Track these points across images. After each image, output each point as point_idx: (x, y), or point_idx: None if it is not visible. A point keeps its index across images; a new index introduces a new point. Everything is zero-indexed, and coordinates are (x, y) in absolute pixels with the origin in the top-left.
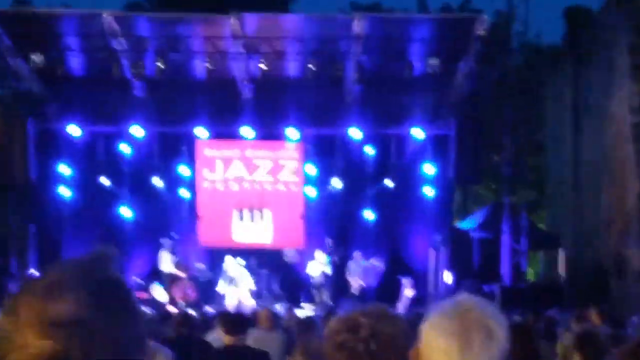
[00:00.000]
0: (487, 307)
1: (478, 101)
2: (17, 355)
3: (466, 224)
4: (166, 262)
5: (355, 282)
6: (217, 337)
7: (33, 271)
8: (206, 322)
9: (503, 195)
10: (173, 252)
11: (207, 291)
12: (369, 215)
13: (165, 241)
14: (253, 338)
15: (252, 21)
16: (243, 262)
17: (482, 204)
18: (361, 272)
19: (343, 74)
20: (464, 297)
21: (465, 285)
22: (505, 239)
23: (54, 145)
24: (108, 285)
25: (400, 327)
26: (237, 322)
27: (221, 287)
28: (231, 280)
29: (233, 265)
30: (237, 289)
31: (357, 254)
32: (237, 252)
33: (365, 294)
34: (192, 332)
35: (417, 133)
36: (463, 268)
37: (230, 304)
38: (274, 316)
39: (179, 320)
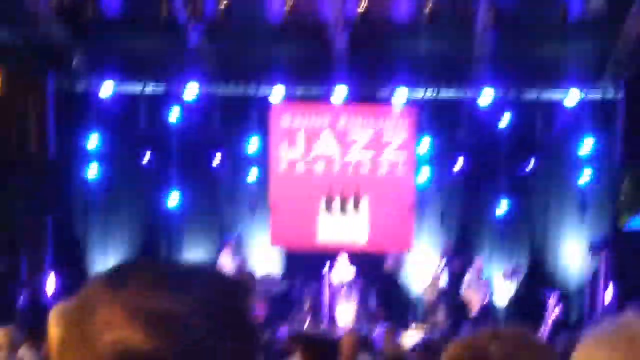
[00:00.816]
0: None
1: None
2: (106, 348)
3: (638, 222)
4: (227, 267)
5: (476, 300)
6: None
7: (51, 276)
8: (278, 348)
9: None
10: (236, 254)
11: (282, 307)
12: (502, 207)
13: (226, 239)
14: None
15: None
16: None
17: None
18: (484, 285)
19: (471, 17)
20: (632, 319)
21: (634, 305)
22: None
23: (80, 110)
24: (233, 312)
25: (545, 356)
26: (321, 349)
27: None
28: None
29: (346, 269)
30: (348, 304)
31: (478, 261)
32: (320, 256)
33: (493, 315)
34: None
35: (572, 97)
36: (632, 281)
37: (342, 324)
38: (363, 343)
39: None
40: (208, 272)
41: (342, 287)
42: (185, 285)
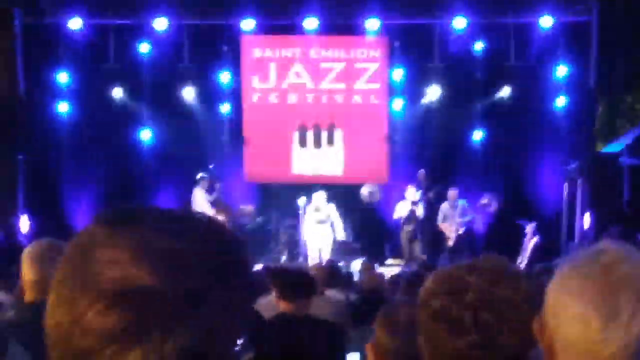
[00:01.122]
0: (638, 257)
1: None
2: (109, 284)
3: (614, 148)
4: (201, 203)
5: (451, 231)
6: (271, 302)
7: (24, 217)
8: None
9: None
10: (210, 189)
11: (257, 242)
12: (478, 136)
13: (199, 175)
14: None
15: None
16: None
17: (636, 122)
18: (458, 217)
19: None
20: (608, 247)
21: (611, 231)
22: None
23: (49, 45)
24: (232, 259)
25: (523, 289)
26: (296, 283)
27: (306, 232)
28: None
29: (323, 202)
30: (323, 237)
31: (452, 193)
32: (296, 188)
33: (469, 245)
34: None
35: (545, 21)
36: (608, 208)
37: (313, 257)
38: (333, 275)
39: None
40: (207, 221)
41: (321, 222)
42: (187, 228)
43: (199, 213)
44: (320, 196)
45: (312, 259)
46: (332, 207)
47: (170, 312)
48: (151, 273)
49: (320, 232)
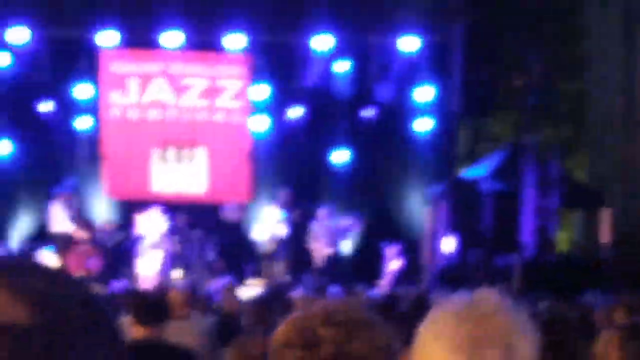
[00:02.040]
0: (512, 312)
1: None
2: None
3: (475, 172)
4: (59, 220)
5: (320, 250)
6: (127, 325)
7: None
8: (113, 304)
9: (526, 133)
10: (69, 205)
11: (116, 260)
12: (341, 157)
13: (57, 190)
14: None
15: None
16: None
17: (497, 145)
18: (328, 236)
19: None
20: (482, 296)
21: (472, 255)
22: (529, 194)
23: None
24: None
25: (379, 343)
26: (152, 306)
27: (144, 252)
28: (153, 245)
29: (156, 221)
30: (160, 256)
31: (322, 212)
32: (157, 206)
33: (333, 267)
34: None
35: (409, 42)
36: (469, 232)
37: (147, 278)
38: (194, 298)
39: None
40: (77, 277)
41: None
42: (61, 278)
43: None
44: (154, 212)
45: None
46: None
47: (41, 353)
48: (27, 311)
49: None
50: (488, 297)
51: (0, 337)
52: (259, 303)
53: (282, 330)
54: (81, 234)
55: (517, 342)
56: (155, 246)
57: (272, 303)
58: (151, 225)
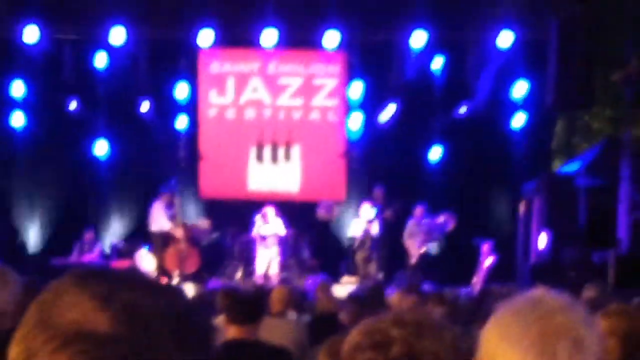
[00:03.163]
0: (574, 307)
1: None
2: (69, 325)
3: (570, 167)
4: (157, 219)
5: (414, 248)
6: (221, 324)
7: None
8: (209, 303)
9: (623, 127)
10: (167, 205)
11: (212, 259)
12: (435, 154)
13: (162, 190)
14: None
15: None
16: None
17: (594, 140)
18: (422, 234)
19: None
20: (543, 295)
21: (567, 251)
22: (625, 188)
23: (4, 56)
24: (194, 323)
25: (448, 342)
26: (247, 306)
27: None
28: (265, 241)
29: (273, 218)
30: (270, 254)
31: (418, 210)
32: (252, 205)
33: (427, 264)
34: None
35: (504, 38)
36: (564, 228)
37: (255, 276)
38: (293, 296)
39: None
40: (174, 288)
41: (271, 238)
42: (155, 289)
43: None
44: (269, 211)
45: (259, 276)
46: (280, 222)
47: None
48: (110, 320)
49: (267, 247)
50: (548, 296)
51: (82, 343)
52: (355, 301)
53: (354, 334)
54: (178, 233)
55: (584, 334)
56: (265, 245)
57: (369, 301)
58: (266, 225)
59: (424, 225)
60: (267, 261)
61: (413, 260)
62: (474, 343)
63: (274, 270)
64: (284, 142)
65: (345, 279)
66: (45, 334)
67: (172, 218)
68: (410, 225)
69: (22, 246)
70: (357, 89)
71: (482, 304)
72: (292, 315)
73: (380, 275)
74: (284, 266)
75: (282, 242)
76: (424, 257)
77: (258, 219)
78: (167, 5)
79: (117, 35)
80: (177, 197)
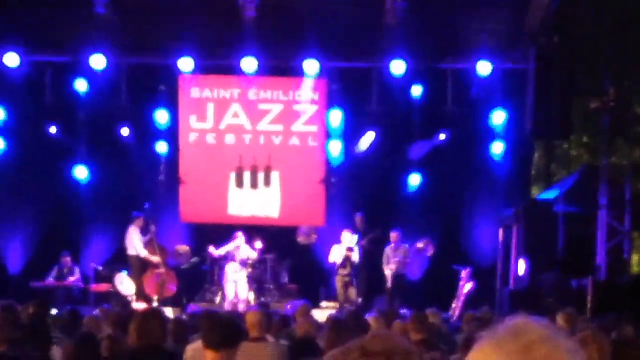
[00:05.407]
0: (557, 336)
1: (569, 24)
2: None
3: (549, 195)
4: (136, 243)
5: (392, 274)
6: (198, 349)
7: None
8: (187, 327)
9: (601, 155)
10: (145, 229)
11: (192, 283)
12: (414, 181)
13: (135, 214)
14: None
15: None
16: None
17: (572, 167)
18: (400, 260)
19: None
20: (525, 323)
21: (545, 277)
22: (602, 215)
23: None
24: None
25: None
26: (224, 331)
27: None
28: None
29: (243, 244)
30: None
31: (394, 235)
32: (232, 230)
33: (406, 290)
34: (162, 341)
35: (483, 67)
36: (543, 254)
37: (227, 301)
38: (270, 320)
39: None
40: None
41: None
42: None
43: None
44: (239, 236)
45: (229, 301)
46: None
47: None
48: None
49: (237, 272)
50: (530, 323)
51: None
52: (334, 325)
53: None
54: (154, 258)
55: None
56: (236, 270)
57: (348, 325)
58: (236, 250)
59: (401, 251)
60: (234, 286)
61: (391, 285)
62: None
63: (243, 295)
64: (263, 167)
65: (325, 303)
66: None
67: (147, 244)
68: (388, 251)
69: (2, 268)
70: (336, 117)
71: (460, 329)
72: (269, 339)
73: (360, 300)
74: (262, 291)
75: (257, 266)
76: (402, 282)
77: (232, 243)
78: (148, 31)
79: (98, 61)
80: (152, 223)
